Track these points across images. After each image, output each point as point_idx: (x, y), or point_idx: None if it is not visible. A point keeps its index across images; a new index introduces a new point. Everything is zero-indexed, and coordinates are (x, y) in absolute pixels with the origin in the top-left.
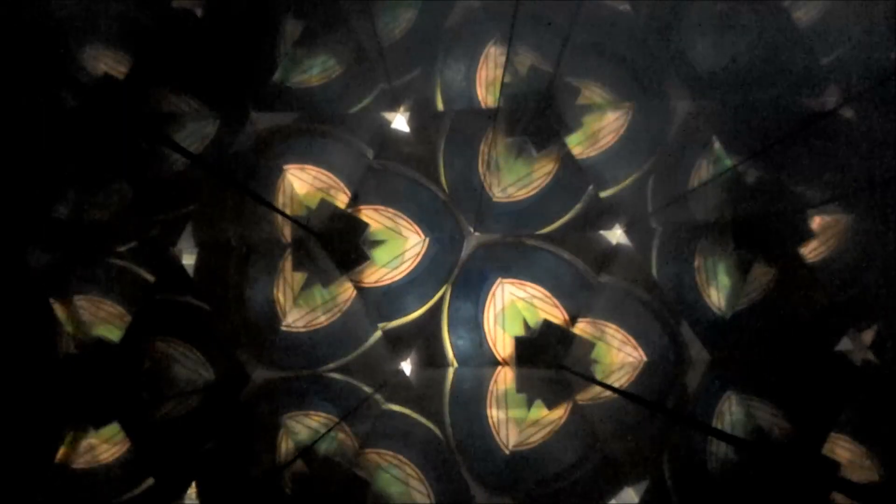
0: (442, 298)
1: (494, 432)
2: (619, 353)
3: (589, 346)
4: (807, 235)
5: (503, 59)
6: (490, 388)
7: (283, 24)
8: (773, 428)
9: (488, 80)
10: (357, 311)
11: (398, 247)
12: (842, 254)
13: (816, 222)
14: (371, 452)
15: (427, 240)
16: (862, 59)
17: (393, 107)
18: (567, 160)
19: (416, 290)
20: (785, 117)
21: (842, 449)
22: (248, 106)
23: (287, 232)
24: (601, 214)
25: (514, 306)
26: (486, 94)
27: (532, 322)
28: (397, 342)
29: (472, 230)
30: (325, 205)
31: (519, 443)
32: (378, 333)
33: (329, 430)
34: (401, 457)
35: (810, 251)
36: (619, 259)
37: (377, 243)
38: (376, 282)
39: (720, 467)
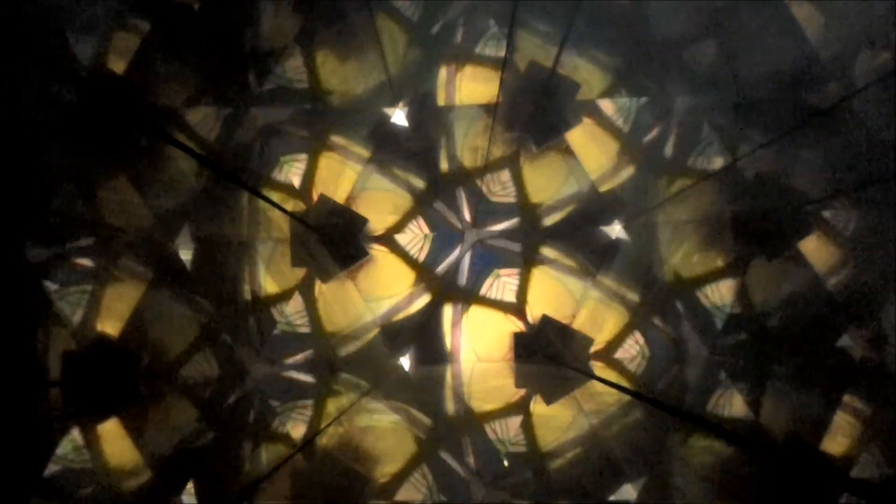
0: (440, 294)
1: (494, 427)
2: (618, 349)
3: (587, 341)
4: (807, 231)
5: (503, 54)
6: (487, 382)
7: (282, 19)
8: (772, 423)
9: (488, 75)
10: (356, 306)
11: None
12: (842, 249)
13: (816, 218)
14: (370, 447)
15: (428, 235)
16: (863, 55)
17: (392, 102)
18: (567, 155)
19: (416, 286)
20: (785, 113)
21: (840, 444)
22: (247, 101)
23: (286, 227)
24: (601, 210)
25: (511, 300)
26: (486, 89)
27: (530, 315)
28: (396, 338)
29: (470, 225)
30: (324, 200)
31: (518, 439)
32: (377, 329)
33: (328, 425)
34: (400, 452)
35: (810, 247)
36: (618, 254)
37: (378, 238)
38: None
39: (718, 463)
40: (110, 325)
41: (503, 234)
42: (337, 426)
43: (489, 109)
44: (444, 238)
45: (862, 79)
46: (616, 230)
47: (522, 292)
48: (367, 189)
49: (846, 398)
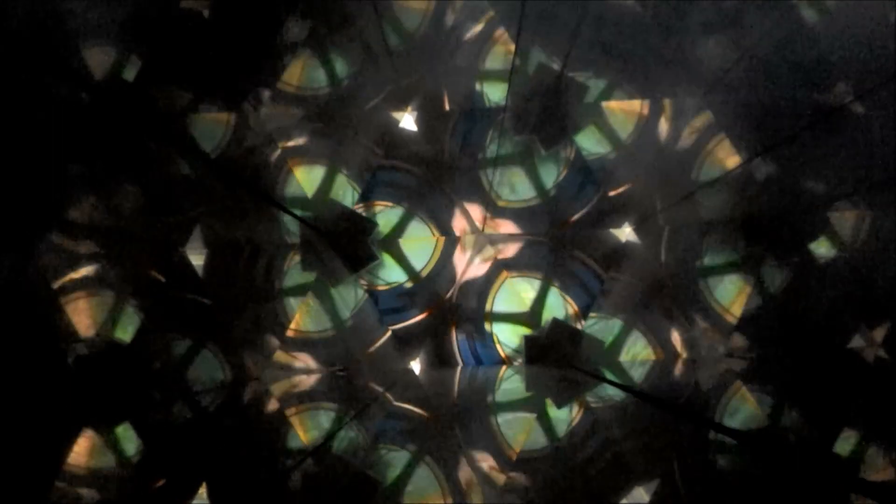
0: (450, 298)
1: (503, 430)
2: (629, 352)
3: (598, 344)
4: (817, 232)
5: (511, 57)
6: (497, 386)
7: (290, 25)
8: (784, 425)
9: (496, 78)
10: (367, 311)
11: (409, 246)
12: (853, 251)
13: (827, 219)
14: (381, 450)
15: (439, 238)
16: (871, 56)
17: (401, 106)
18: (576, 158)
19: (425, 290)
20: (794, 114)
21: (854, 445)
22: (256, 106)
23: (296, 232)
24: (610, 212)
25: (522, 304)
26: (494, 92)
27: (541, 320)
28: (406, 342)
29: (480, 228)
30: (333, 204)
31: (528, 441)
32: (387, 333)
33: (339, 429)
34: (410, 455)
35: (821, 248)
36: (628, 257)
37: (388, 241)
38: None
39: (731, 465)
40: (122, 331)
41: (513, 237)
42: (348, 430)
43: (498, 112)
44: (454, 242)
45: (870, 80)
46: (626, 233)
47: (532, 295)
48: (375, 193)
49: (858, 399)
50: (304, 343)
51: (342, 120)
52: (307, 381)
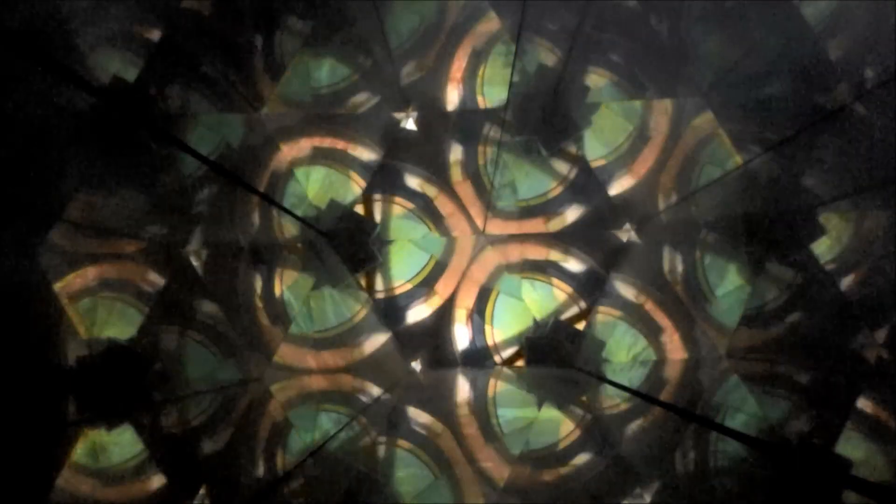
0: (451, 299)
1: (503, 430)
2: (630, 352)
3: (599, 344)
4: (819, 233)
5: (512, 57)
6: (498, 387)
7: (291, 25)
8: (785, 426)
9: (497, 78)
10: (367, 311)
11: (408, 247)
12: (853, 250)
13: (828, 219)
14: (381, 451)
15: (440, 239)
16: (871, 56)
17: (402, 107)
18: (577, 158)
19: (426, 290)
20: (796, 113)
21: (855, 447)
22: (256, 107)
23: (296, 232)
24: (611, 212)
25: (523, 305)
26: (494, 92)
27: (541, 319)
28: (407, 343)
29: (481, 229)
30: (334, 205)
31: (529, 442)
32: (388, 334)
33: (340, 430)
34: (412, 456)
35: (822, 248)
36: (629, 257)
37: (389, 242)
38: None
39: (732, 466)
40: (122, 331)
41: (514, 238)
42: (348, 430)
43: (498, 113)
44: (452, 241)
45: (872, 80)
46: (627, 233)
47: (533, 296)
48: (376, 194)
49: (860, 400)
50: (304, 343)
51: (343, 120)
52: (307, 381)
